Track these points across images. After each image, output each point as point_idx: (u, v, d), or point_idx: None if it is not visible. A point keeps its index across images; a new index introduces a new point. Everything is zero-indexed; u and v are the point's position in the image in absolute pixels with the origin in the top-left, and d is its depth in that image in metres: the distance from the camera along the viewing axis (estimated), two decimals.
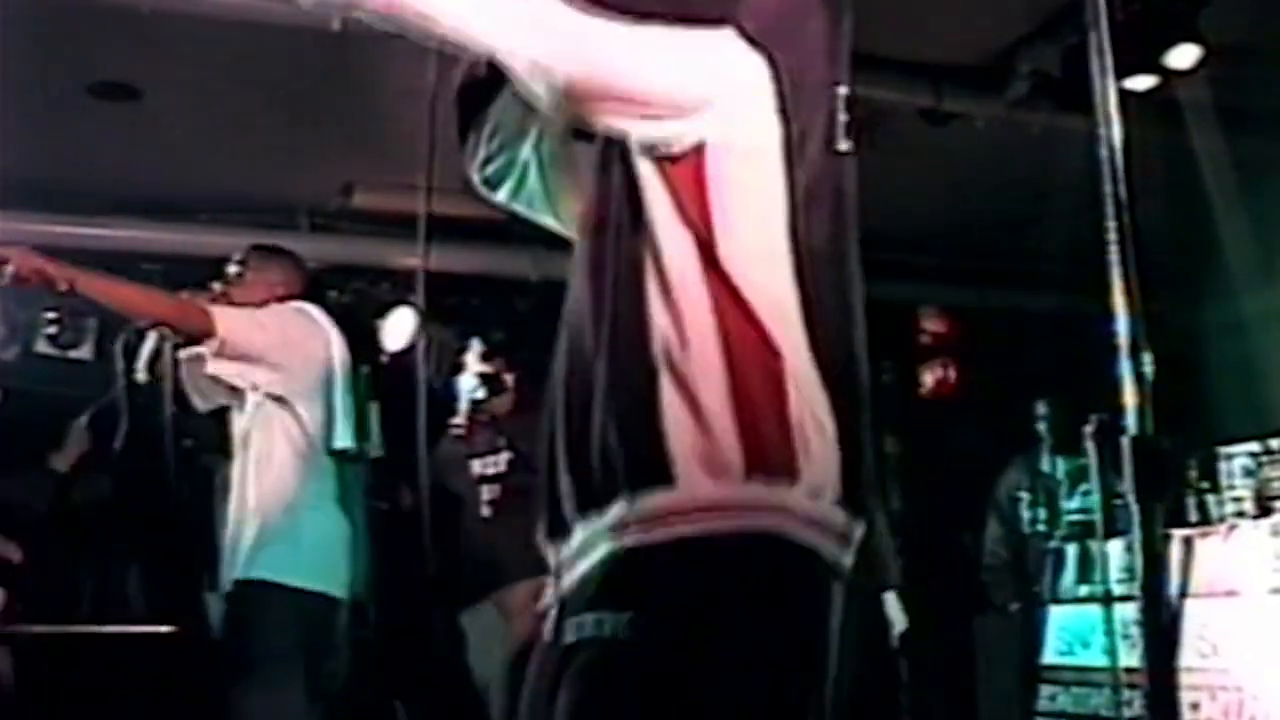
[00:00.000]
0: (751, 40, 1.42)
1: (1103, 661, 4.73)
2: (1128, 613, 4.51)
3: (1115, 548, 4.73)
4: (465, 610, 4.93)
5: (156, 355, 3.75)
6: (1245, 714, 4.31)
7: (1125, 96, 1.76)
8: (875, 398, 1.52)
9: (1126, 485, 1.66)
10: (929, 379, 7.05)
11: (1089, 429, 4.79)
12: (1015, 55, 4.91)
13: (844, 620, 1.44)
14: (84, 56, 4.71)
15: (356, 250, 6.13)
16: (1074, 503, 5.76)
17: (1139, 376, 1.66)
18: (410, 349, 6.04)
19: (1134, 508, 1.65)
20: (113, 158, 5.48)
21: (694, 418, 1.37)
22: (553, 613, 1.46)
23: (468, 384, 4.99)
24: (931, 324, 6.97)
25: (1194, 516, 5.04)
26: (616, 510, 1.37)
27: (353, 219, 6.03)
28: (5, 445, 5.53)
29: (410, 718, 4.95)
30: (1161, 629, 1.75)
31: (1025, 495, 6.03)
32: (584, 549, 1.41)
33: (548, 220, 1.77)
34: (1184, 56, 4.44)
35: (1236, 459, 4.91)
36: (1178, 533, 4.68)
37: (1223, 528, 4.73)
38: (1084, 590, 5.24)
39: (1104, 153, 1.73)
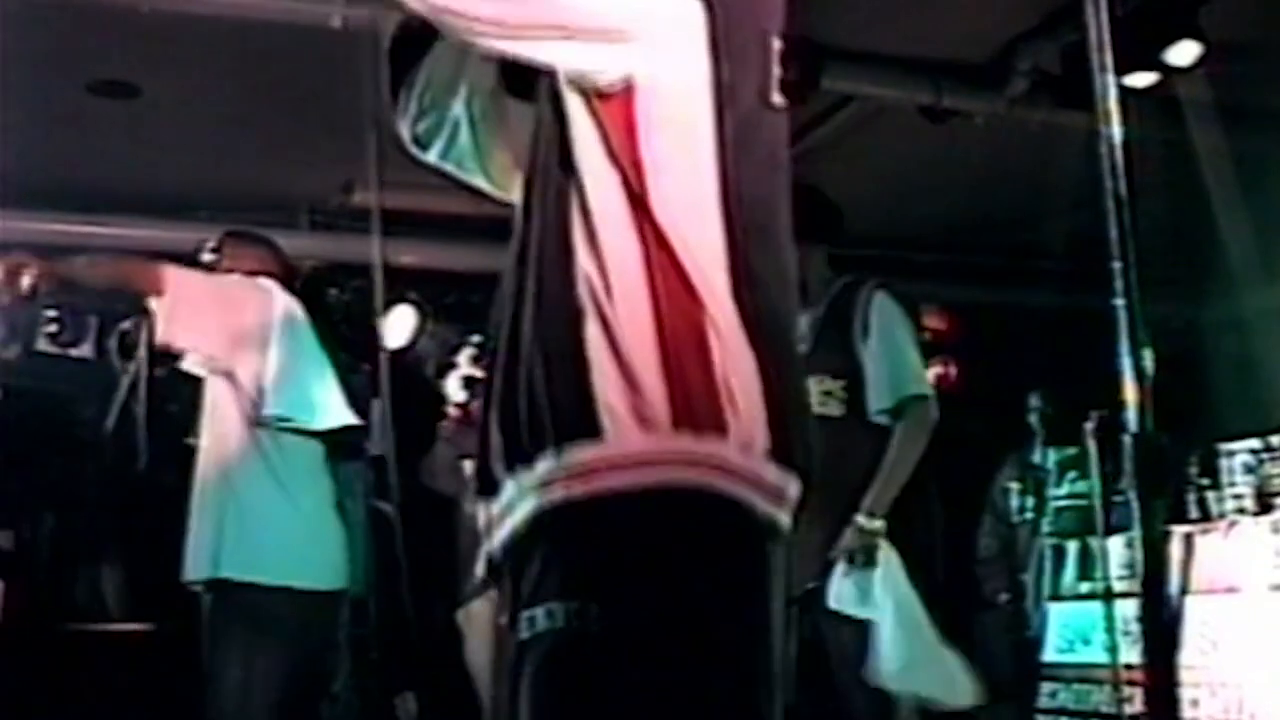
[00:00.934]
0: None
1: (1103, 658, 4.74)
2: (1128, 609, 4.52)
3: (1116, 544, 4.73)
4: (461, 607, 4.93)
5: (133, 341, 3.70)
6: (1245, 710, 4.32)
7: (1125, 93, 1.76)
8: None
9: (1127, 482, 1.66)
10: (929, 376, 7.05)
11: (1090, 426, 4.80)
12: (1015, 52, 4.91)
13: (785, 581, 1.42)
14: (83, 54, 4.71)
15: (356, 248, 6.12)
16: (1062, 490, 5.79)
17: (1139, 373, 1.66)
18: (411, 346, 6.04)
19: (1134, 504, 1.65)
20: (112, 156, 5.47)
21: (620, 368, 1.33)
22: (483, 573, 1.45)
23: (453, 385, 5.00)
24: (931, 321, 6.97)
25: (1194, 513, 5.04)
26: (543, 464, 1.34)
27: (353, 217, 6.02)
28: (6, 443, 5.53)
29: (415, 713, 4.96)
30: (1162, 626, 1.75)
31: (1015, 485, 6.06)
32: (511, 505, 1.38)
33: (478, 180, 1.73)
34: (1184, 53, 4.44)
35: (1237, 456, 4.91)
36: (1178, 529, 4.69)
37: (1223, 524, 4.74)
38: (1085, 587, 5.25)
39: (1104, 150, 1.72)
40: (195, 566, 3.48)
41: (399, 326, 6.05)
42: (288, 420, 3.51)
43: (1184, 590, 4.57)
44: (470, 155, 1.71)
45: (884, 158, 5.47)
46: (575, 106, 1.39)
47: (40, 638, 5.44)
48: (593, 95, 1.38)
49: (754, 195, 1.43)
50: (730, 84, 1.41)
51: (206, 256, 3.79)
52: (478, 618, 4.86)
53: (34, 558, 6.07)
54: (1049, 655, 5.29)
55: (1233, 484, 4.89)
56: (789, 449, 1.41)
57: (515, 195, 1.52)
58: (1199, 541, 4.66)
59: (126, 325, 3.83)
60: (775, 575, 1.40)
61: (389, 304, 6.11)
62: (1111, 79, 1.75)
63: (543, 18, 1.37)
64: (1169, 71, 4.46)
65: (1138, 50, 4.31)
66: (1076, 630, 5.19)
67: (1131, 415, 1.65)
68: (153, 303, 3.42)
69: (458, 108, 1.68)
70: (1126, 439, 1.66)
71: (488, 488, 1.43)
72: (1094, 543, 5.06)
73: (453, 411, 5.02)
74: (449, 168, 1.74)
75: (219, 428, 3.53)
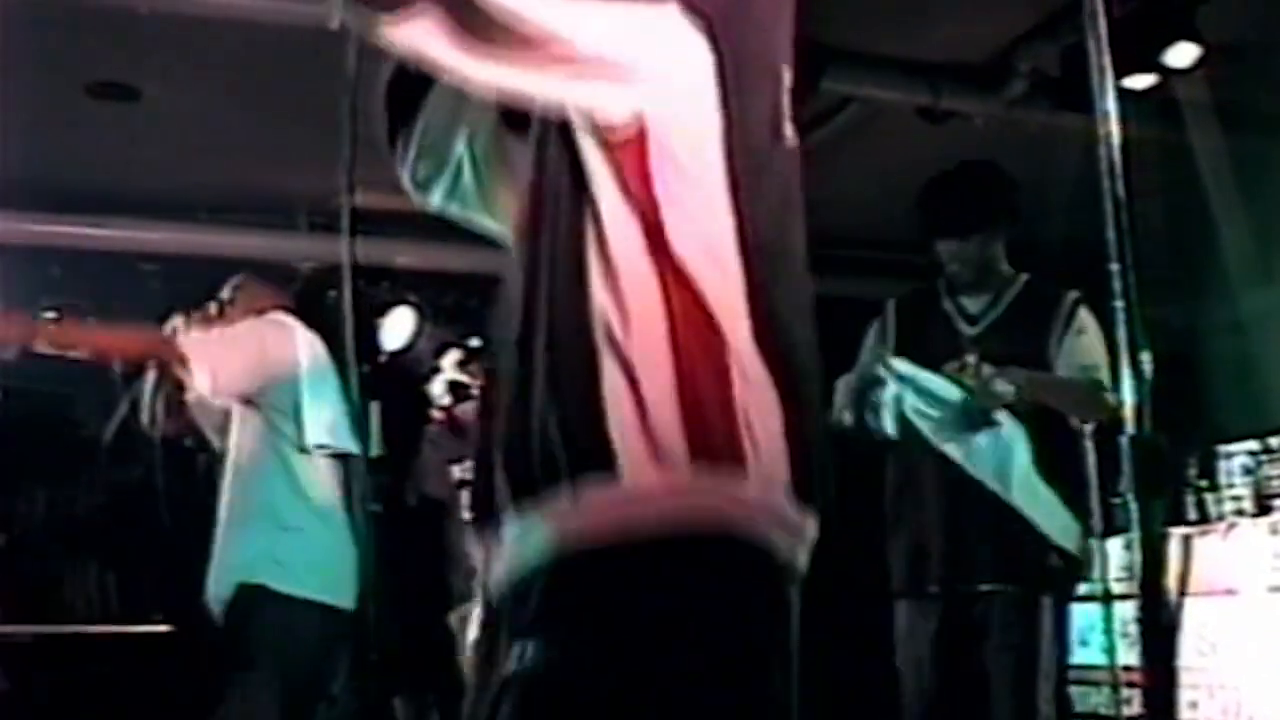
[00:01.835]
0: (695, 13, 1.36)
1: (1102, 660, 4.74)
2: (1127, 611, 4.51)
3: (1114, 546, 4.73)
4: (454, 610, 4.94)
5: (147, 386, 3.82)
6: (1244, 713, 4.32)
7: (1124, 95, 1.76)
8: None
9: (1126, 484, 1.66)
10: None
11: (1088, 428, 4.80)
12: (1014, 54, 4.91)
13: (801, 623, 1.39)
14: (82, 56, 4.71)
15: (355, 250, 6.12)
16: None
17: (1138, 375, 1.66)
18: (409, 348, 6.04)
19: (1133, 506, 1.65)
20: (111, 158, 5.47)
21: (636, 402, 1.31)
22: (485, 610, 1.40)
23: (437, 389, 5.01)
24: None
25: (1193, 515, 5.05)
26: (555, 498, 1.31)
27: (354, 218, 6.02)
28: (3, 444, 5.53)
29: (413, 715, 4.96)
30: (1160, 628, 1.76)
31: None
32: (519, 539, 1.34)
33: (482, 220, 1.71)
34: (1183, 55, 4.44)
35: (1235, 457, 4.92)
36: (1177, 531, 4.69)
37: (1222, 526, 4.74)
38: (1083, 589, 5.24)
39: (1102, 151, 1.73)
40: (228, 573, 3.60)
41: (398, 328, 6.05)
42: (329, 447, 3.67)
43: (1182, 592, 4.58)
44: (474, 196, 1.68)
45: (882, 159, 5.46)
46: (588, 146, 1.37)
47: (33, 640, 5.44)
48: (605, 135, 1.36)
49: (769, 231, 1.42)
50: (740, 121, 1.39)
51: (225, 294, 3.94)
52: (471, 621, 4.86)
53: (30, 559, 6.07)
54: None
55: (1231, 486, 4.90)
56: (809, 487, 1.39)
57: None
58: (1197, 543, 4.67)
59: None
60: (793, 612, 1.38)
61: (387, 306, 6.11)
62: (1110, 81, 1.75)
63: (553, 60, 1.33)
64: (1167, 73, 4.46)
65: (1136, 52, 4.31)
66: (1075, 632, 5.19)
67: (1130, 417, 1.66)
68: (181, 369, 3.62)
69: (459, 148, 1.66)
70: (1125, 440, 1.66)
71: (489, 523, 1.39)
72: (1093, 544, 5.06)
73: (437, 415, 5.03)
74: (453, 210, 1.72)
75: (247, 444, 3.68)
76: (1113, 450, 1.72)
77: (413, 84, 1.62)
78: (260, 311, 3.84)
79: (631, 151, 1.35)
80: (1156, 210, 4.15)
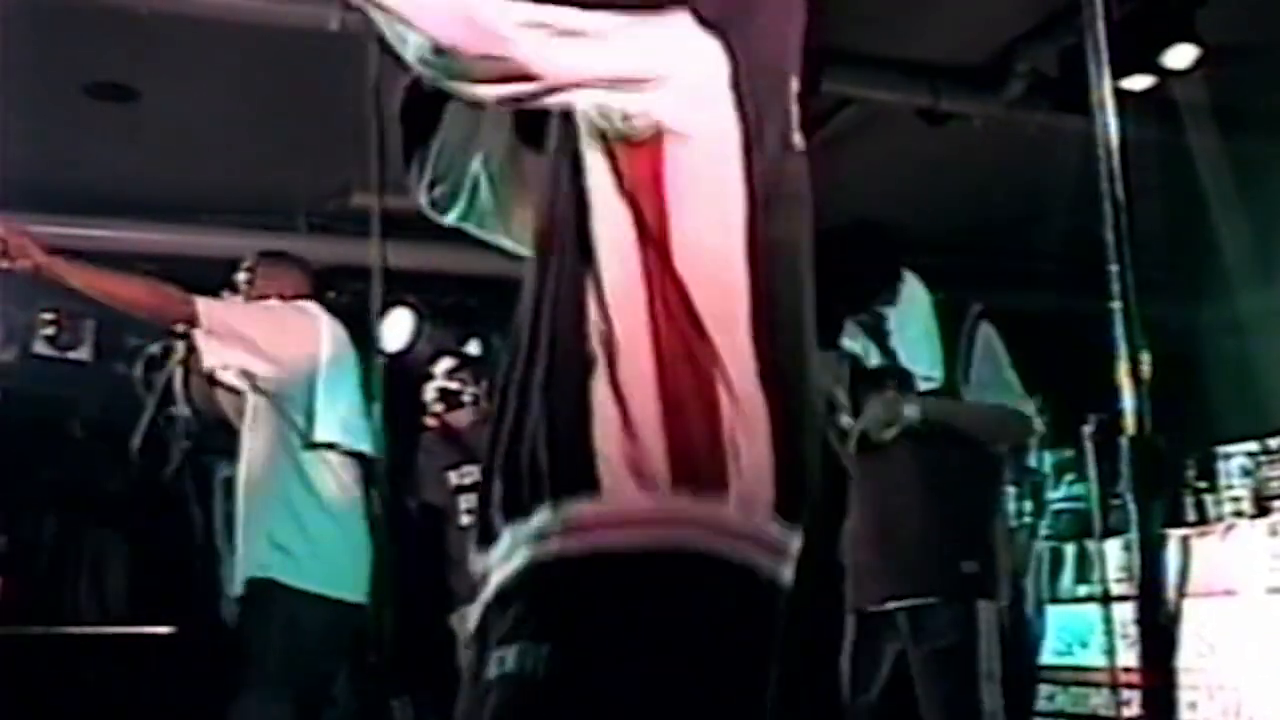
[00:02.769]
0: (707, 25, 1.37)
1: (1101, 661, 4.74)
2: (1126, 612, 4.52)
3: (1113, 547, 4.74)
4: (454, 612, 4.94)
5: (163, 361, 3.76)
6: (1243, 713, 4.32)
7: (1122, 96, 1.76)
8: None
9: (1125, 484, 1.66)
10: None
11: (1087, 429, 4.81)
12: (1012, 55, 4.91)
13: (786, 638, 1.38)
14: (81, 57, 4.71)
15: (354, 251, 6.12)
16: (1058, 493, 5.79)
17: (1137, 376, 1.66)
18: (408, 349, 6.04)
19: (1132, 507, 1.65)
20: (110, 158, 5.47)
21: (623, 424, 1.31)
22: (473, 627, 1.40)
23: (430, 396, 5.00)
24: None
25: (1192, 516, 5.05)
26: (540, 517, 1.32)
27: (351, 219, 6.02)
28: (2, 445, 5.53)
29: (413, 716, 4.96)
30: (1159, 629, 1.75)
31: (1012, 489, 6.06)
32: (507, 555, 1.35)
33: (501, 238, 1.70)
34: (1181, 56, 4.44)
35: (1234, 458, 4.92)
36: (1176, 532, 4.69)
37: (1220, 527, 4.74)
38: (1082, 590, 5.25)
39: (1101, 152, 1.73)
40: (241, 568, 3.62)
41: (397, 329, 6.05)
42: (336, 445, 3.63)
43: (1181, 593, 4.58)
44: (491, 214, 1.68)
45: (881, 160, 5.47)
46: (595, 159, 1.37)
47: (34, 640, 5.43)
48: (619, 144, 1.36)
49: (780, 240, 1.42)
50: (756, 127, 1.40)
51: (240, 276, 3.85)
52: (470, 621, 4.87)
53: (29, 560, 6.07)
54: (1047, 658, 5.29)
55: (1230, 487, 4.90)
56: (795, 504, 1.38)
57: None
58: (1196, 544, 4.67)
59: (154, 349, 3.90)
60: (775, 631, 1.37)
61: (386, 307, 6.12)
62: (1109, 82, 1.76)
63: (579, 69, 1.34)
64: (1166, 74, 4.46)
65: (1135, 53, 4.31)
66: (1074, 633, 5.19)
67: (1129, 418, 1.66)
68: (192, 332, 3.51)
69: (475, 167, 1.66)
70: (1124, 441, 1.66)
71: (486, 537, 1.40)
72: (1091, 546, 5.06)
73: (430, 422, 5.03)
74: (470, 228, 1.71)
75: (261, 440, 3.64)
76: (1112, 451, 1.72)
77: (428, 104, 1.62)
78: (284, 297, 3.78)
79: (645, 158, 1.36)
80: (1155, 211, 4.15)
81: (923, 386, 3.55)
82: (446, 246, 5.79)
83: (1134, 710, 4.38)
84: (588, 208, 1.37)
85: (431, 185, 1.68)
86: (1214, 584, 4.55)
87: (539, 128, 1.47)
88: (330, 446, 3.63)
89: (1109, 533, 4.76)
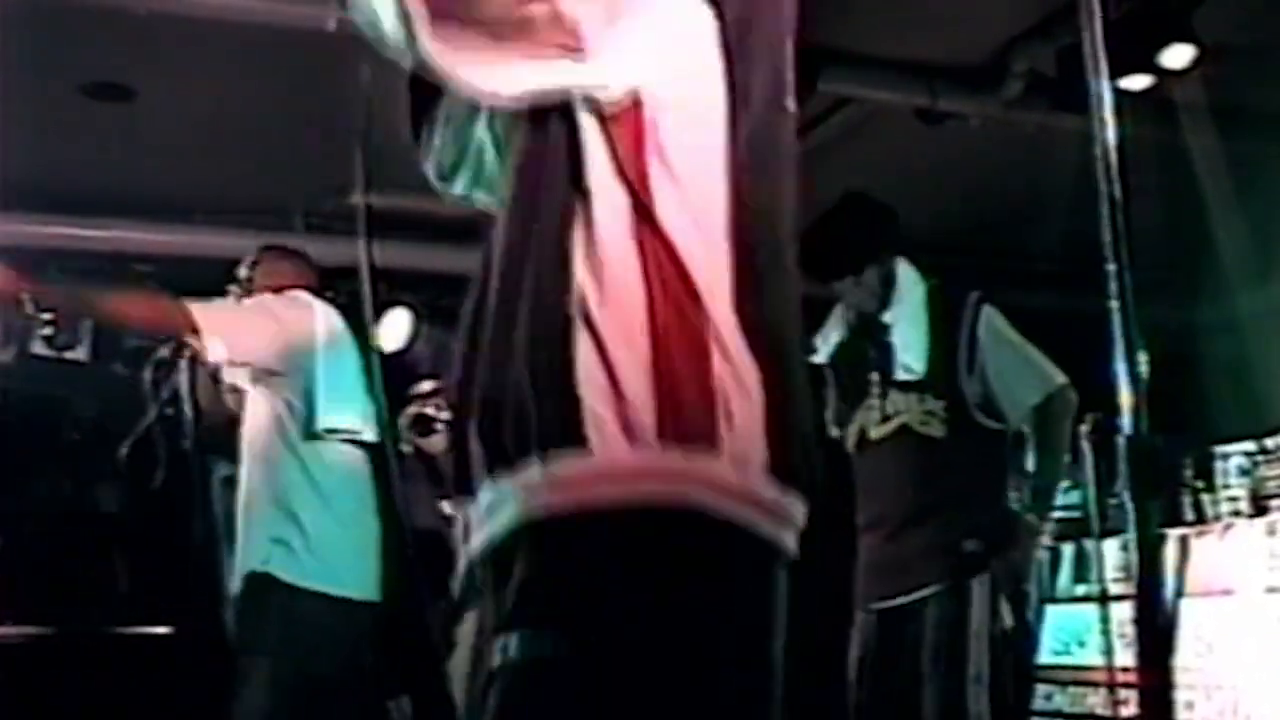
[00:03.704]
0: None
1: (1099, 661, 4.74)
2: (1124, 612, 4.51)
3: (1111, 547, 4.73)
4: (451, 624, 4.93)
5: (173, 363, 3.79)
6: (1241, 713, 4.32)
7: (1120, 96, 1.76)
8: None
9: (1122, 484, 1.66)
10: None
11: (1085, 428, 4.80)
12: (1010, 55, 4.91)
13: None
14: (78, 57, 4.70)
15: (352, 251, 6.10)
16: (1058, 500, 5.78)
17: (1134, 376, 1.66)
18: (406, 349, 6.03)
19: (1129, 507, 1.65)
20: (107, 158, 5.47)
21: (609, 379, 1.30)
22: (461, 582, 1.40)
23: (403, 423, 4.99)
24: None
25: (1190, 515, 5.05)
26: (526, 471, 1.30)
27: (348, 219, 6.01)
28: (2, 445, 5.53)
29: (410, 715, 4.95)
30: (1157, 628, 1.75)
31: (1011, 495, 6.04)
32: (492, 510, 1.34)
33: None
34: (1178, 56, 4.44)
35: (1232, 458, 4.92)
36: (1173, 532, 4.69)
37: (1218, 527, 4.74)
38: (1080, 590, 5.25)
39: (1099, 152, 1.73)
40: (240, 563, 3.63)
41: (394, 330, 6.04)
42: (340, 432, 3.63)
43: (1179, 593, 4.58)
44: (498, 180, 1.66)
45: (879, 160, 5.46)
46: (586, 122, 1.36)
47: (33, 640, 5.43)
48: (600, 110, 1.35)
49: (767, 201, 1.41)
50: (744, 88, 1.38)
51: (243, 272, 3.88)
52: (465, 625, 4.85)
53: (28, 560, 6.06)
54: (1044, 658, 5.29)
55: (1228, 486, 4.90)
56: (792, 467, 1.37)
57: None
58: (1194, 544, 4.67)
59: (164, 352, 3.91)
60: (778, 597, 1.36)
61: (384, 307, 6.11)
62: (1106, 81, 1.76)
63: (545, 50, 1.33)
64: (1163, 74, 4.47)
65: (1132, 53, 4.31)
66: (1072, 633, 5.19)
67: (1126, 417, 1.66)
68: (193, 339, 3.55)
69: (480, 132, 1.65)
70: (1121, 441, 1.66)
71: (465, 489, 1.39)
72: (1089, 545, 5.06)
73: (405, 449, 5.01)
74: (479, 196, 1.70)
75: (262, 436, 3.66)
76: (1109, 450, 1.72)
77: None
78: (280, 289, 3.80)
79: (625, 125, 1.35)
80: (1152, 211, 4.16)
81: (902, 377, 3.56)
82: (446, 246, 5.80)
83: (1131, 710, 4.38)
84: (581, 165, 1.36)
85: (440, 153, 1.68)
86: (1212, 583, 4.55)
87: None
88: (332, 433, 3.63)
89: (1107, 532, 4.76)
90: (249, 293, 3.85)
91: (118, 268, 5.78)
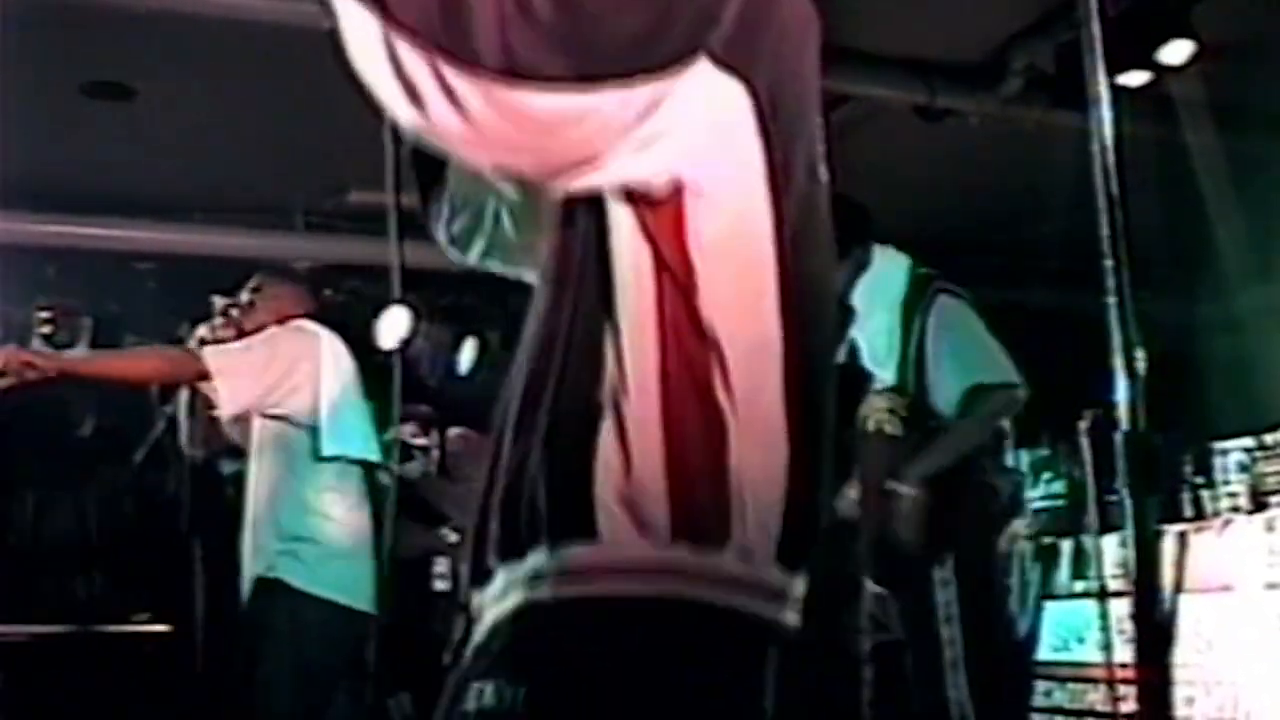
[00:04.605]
0: (726, 65, 1.31)
1: (1098, 657, 4.75)
2: (1122, 608, 4.52)
3: (1110, 543, 4.74)
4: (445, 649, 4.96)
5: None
6: (1240, 709, 4.33)
7: (1119, 92, 1.76)
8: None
9: (1121, 481, 1.66)
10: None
11: (1083, 425, 4.81)
12: (1009, 52, 4.91)
13: (790, 680, 1.35)
14: (78, 56, 4.71)
15: (352, 249, 6.13)
16: (1037, 491, 5.79)
17: (1133, 372, 1.66)
18: (404, 348, 6.03)
19: (1128, 503, 1.65)
20: (106, 157, 5.47)
21: (625, 470, 1.28)
22: (466, 665, 1.37)
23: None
24: None
25: (1189, 512, 5.06)
26: (535, 560, 1.29)
27: (348, 218, 6.02)
28: (1, 444, 5.53)
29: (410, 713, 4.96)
30: (1156, 624, 1.75)
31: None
32: (501, 595, 1.33)
33: (527, 274, 1.60)
34: (1177, 52, 4.44)
35: (1231, 454, 4.93)
36: (1172, 528, 4.69)
37: (1217, 523, 4.75)
38: (1079, 586, 5.25)
39: (1097, 149, 1.73)
40: (250, 569, 3.69)
41: (393, 328, 6.04)
42: (343, 458, 3.71)
43: (1178, 589, 4.58)
44: (515, 248, 1.63)
45: (878, 157, 5.47)
46: (619, 212, 1.33)
47: (33, 640, 5.43)
48: (639, 201, 1.32)
49: (812, 275, 1.39)
50: (785, 169, 1.35)
51: (245, 297, 3.89)
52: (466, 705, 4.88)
53: (28, 559, 6.07)
54: (1043, 654, 5.29)
55: (1227, 482, 4.91)
56: (801, 551, 1.36)
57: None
58: (1193, 540, 4.67)
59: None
60: (769, 677, 1.34)
61: (382, 306, 6.11)
62: (1105, 78, 1.76)
63: (579, 147, 1.27)
64: (1162, 71, 4.47)
65: (1131, 49, 4.32)
66: (1070, 629, 5.20)
67: (1124, 414, 1.66)
68: (205, 386, 3.63)
69: (493, 200, 1.61)
70: (1119, 437, 1.66)
71: (480, 577, 1.37)
72: (1088, 541, 5.07)
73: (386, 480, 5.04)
74: (494, 265, 1.67)
75: (269, 459, 3.72)
76: (1108, 447, 1.72)
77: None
78: (284, 318, 3.83)
79: (666, 213, 1.32)
80: (1151, 208, 4.17)
81: (875, 386, 3.54)
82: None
83: (1131, 706, 4.39)
84: (609, 253, 1.33)
85: (449, 223, 1.64)
86: (1211, 579, 4.55)
87: None
88: (336, 459, 3.71)
89: (1106, 528, 4.76)
90: (246, 323, 3.88)
91: (117, 266, 5.79)
